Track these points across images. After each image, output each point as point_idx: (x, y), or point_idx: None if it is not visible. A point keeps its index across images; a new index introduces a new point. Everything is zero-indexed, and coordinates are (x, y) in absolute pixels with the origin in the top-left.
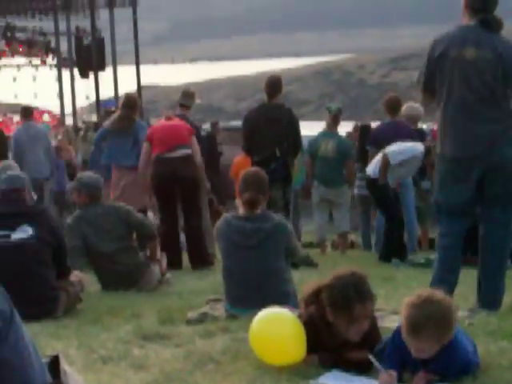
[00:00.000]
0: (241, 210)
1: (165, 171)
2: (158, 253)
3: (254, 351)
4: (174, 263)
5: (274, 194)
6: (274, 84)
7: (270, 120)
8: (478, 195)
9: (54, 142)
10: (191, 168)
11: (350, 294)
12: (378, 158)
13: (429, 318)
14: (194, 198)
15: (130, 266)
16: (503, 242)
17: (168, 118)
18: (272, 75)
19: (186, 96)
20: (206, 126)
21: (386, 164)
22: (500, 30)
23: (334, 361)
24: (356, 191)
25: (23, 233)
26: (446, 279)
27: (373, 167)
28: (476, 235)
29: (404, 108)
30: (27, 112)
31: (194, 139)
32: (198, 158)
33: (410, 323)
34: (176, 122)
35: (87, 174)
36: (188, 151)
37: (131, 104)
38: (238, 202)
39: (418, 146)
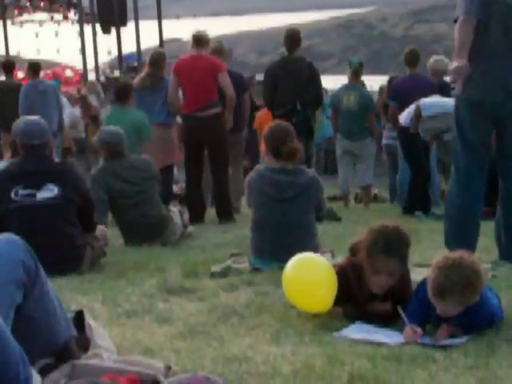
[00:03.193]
0: (272, 163)
1: (194, 129)
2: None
3: (284, 291)
4: (198, 217)
5: None
6: (292, 37)
7: (290, 73)
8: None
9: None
10: (220, 126)
11: (378, 244)
12: (412, 107)
13: (455, 284)
14: (222, 155)
15: (153, 217)
16: None
17: (198, 43)
18: (290, 28)
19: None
20: None
21: (418, 114)
22: None
23: (358, 313)
24: (384, 141)
25: (49, 192)
26: (468, 234)
27: (405, 116)
28: (494, 189)
29: (430, 62)
30: (36, 68)
31: (224, 75)
32: (230, 92)
33: (436, 287)
34: (205, 61)
35: (107, 130)
36: (217, 110)
37: (156, 61)
38: (268, 154)
39: (450, 103)
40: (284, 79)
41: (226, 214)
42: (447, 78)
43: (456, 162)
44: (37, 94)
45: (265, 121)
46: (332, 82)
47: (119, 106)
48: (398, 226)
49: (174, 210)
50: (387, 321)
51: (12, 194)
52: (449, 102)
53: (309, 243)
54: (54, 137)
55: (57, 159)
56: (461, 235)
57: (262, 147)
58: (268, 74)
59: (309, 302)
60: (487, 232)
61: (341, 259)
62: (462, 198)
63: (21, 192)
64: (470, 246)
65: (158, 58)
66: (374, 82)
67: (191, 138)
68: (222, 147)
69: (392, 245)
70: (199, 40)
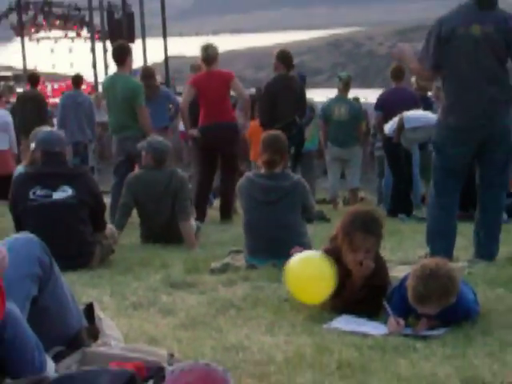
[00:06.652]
0: (262, 170)
1: (212, 139)
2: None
3: (293, 290)
4: (201, 216)
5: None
6: (289, 57)
7: (288, 90)
8: (476, 160)
9: None
10: (234, 140)
11: (356, 223)
12: (396, 119)
13: (433, 292)
14: (233, 164)
15: (173, 228)
16: (499, 201)
17: (208, 62)
18: (284, 49)
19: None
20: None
21: (400, 126)
22: (495, 3)
23: (345, 306)
24: (376, 153)
25: (63, 193)
26: (446, 234)
27: (389, 126)
28: (473, 192)
29: (416, 78)
30: (76, 80)
31: (235, 81)
32: (244, 94)
33: (415, 295)
34: (216, 76)
35: (158, 139)
36: (231, 124)
37: (146, 74)
38: (259, 162)
39: (432, 117)
40: (283, 95)
41: (227, 214)
42: (430, 93)
43: (435, 177)
44: (73, 104)
45: (257, 130)
46: (323, 95)
47: (117, 72)
48: (372, 209)
49: (193, 223)
50: (372, 314)
51: (30, 194)
52: (430, 115)
53: (297, 241)
54: (89, 142)
55: (95, 162)
56: (439, 234)
57: (253, 154)
58: (269, 91)
59: (311, 293)
60: (464, 233)
61: None
62: (440, 208)
63: (38, 192)
64: (448, 243)
65: (145, 72)
66: (364, 95)
67: (207, 147)
68: (234, 157)
69: (369, 223)
70: (206, 58)
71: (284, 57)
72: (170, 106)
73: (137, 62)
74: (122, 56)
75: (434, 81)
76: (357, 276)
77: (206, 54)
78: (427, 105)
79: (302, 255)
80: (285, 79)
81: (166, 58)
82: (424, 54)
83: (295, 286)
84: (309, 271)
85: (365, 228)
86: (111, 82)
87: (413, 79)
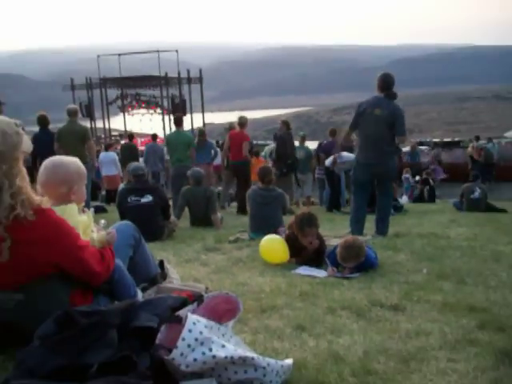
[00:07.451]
0: (260, 185)
1: (235, 169)
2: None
3: (262, 256)
4: (241, 210)
5: (290, 178)
6: (289, 122)
7: (291, 140)
8: (374, 181)
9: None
10: (247, 168)
11: (303, 221)
12: (332, 157)
13: (351, 256)
14: (247, 182)
15: (208, 219)
16: (387, 203)
17: (241, 125)
18: (285, 119)
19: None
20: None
21: (335, 161)
22: (395, 98)
23: (304, 262)
24: (317, 176)
25: (147, 198)
26: (359, 221)
27: (329, 161)
28: (374, 197)
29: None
30: (154, 136)
31: (246, 143)
32: (245, 152)
33: (341, 257)
34: (242, 135)
35: (197, 169)
36: (246, 160)
37: (201, 133)
38: (258, 181)
39: (353, 156)
40: (289, 143)
41: (243, 210)
42: (353, 143)
43: (353, 189)
44: (152, 150)
45: (255, 164)
46: None
47: (176, 130)
48: (310, 211)
49: (219, 215)
50: (319, 266)
51: (128, 199)
52: (352, 155)
53: (278, 226)
54: (161, 171)
55: (164, 181)
56: (356, 221)
57: (254, 176)
58: (283, 141)
59: (276, 258)
60: (369, 220)
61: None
62: (356, 206)
63: (132, 198)
64: (361, 226)
65: (201, 131)
66: (312, 146)
67: (235, 172)
68: (248, 179)
69: (311, 220)
70: (240, 123)
71: (286, 122)
72: (212, 151)
73: (187, 126)
74: (180, 121)
75: (351, 135)
76: (309, 249)
77: (240, 120)
78: (350, 150)
79: (268, 238)
80: (289, 134)
81: (204, 124)
82: (351, 124)
83: (264, 255)
84: (270, 247)
85: (309, 224)
86: (174, 135)
87: (342, 135)
